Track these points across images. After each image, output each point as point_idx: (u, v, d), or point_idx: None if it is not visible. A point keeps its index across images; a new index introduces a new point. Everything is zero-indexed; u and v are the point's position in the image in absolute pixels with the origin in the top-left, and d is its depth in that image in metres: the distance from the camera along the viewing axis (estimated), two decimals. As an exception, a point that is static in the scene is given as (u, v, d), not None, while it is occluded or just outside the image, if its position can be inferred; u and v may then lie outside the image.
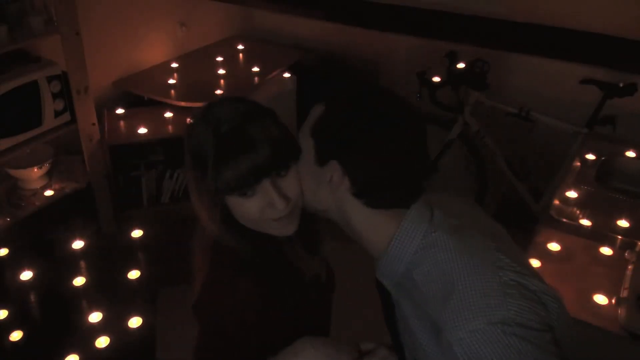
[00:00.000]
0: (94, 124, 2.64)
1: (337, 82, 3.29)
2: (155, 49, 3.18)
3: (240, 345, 1.04)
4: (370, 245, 1.01)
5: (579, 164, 2.12)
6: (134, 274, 2.52)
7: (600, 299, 1.50)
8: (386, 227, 0.96)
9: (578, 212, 1.87)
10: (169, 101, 2.87)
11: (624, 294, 1.47)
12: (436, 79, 2.94)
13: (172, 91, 2.93)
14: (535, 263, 1.88)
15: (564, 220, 1.81)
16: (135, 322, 2.33)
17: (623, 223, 1.80)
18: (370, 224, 0.98)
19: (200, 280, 1.07)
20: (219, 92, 2.94)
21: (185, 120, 2.79)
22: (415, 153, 0.98)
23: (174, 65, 3.16)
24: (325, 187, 0.97)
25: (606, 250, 1.67)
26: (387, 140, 0.94)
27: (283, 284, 1.07)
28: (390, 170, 0.94)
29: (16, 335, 2.23)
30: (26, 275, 2.45)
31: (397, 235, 0.95)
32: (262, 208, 0.97)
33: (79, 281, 2.48)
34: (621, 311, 1.43)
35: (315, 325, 1.20)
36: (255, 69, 3.15)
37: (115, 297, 2.45)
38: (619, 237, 1.75)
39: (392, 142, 0.94)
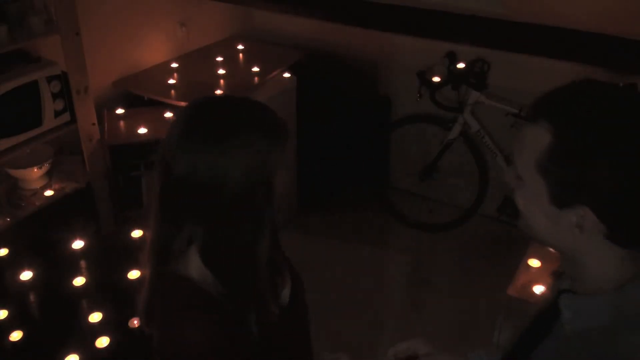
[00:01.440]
0: (94, 124, 2.64)
1: (337, 82, 3.29)
2: (155, 49, 3.17)
3: None
4: (588, 278, 0.85)
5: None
6: (134, 274, 2.52)
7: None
8: (624, 268, 0.82)
9: (578, 212, 1.86)
10: (169, 101, 2.87)
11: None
12: (436, 79, 2.95)
13: (172, 91, 2.93)
14: (535, 263, 1.89)
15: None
16: (135, 322, 2.32)
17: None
18: (609, 262, 0.82)
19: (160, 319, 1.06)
20: (219, 92, 2.95)
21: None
22: None
23: (174, 65, 3.15)
24: (567, 229, 0.80)
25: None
26: None
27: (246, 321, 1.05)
28: None
29: (16, 335, 2.23)
30: (26, 275, 2.44)
31: (633, 284, 0.80)
32: None
33: (79, 281, 2.48)
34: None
35: (293, 345, 1.17)
36: (255, 69, 3.15)
37: (115, 297, 2.44)
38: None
39: None
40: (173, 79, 3.04)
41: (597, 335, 0.81)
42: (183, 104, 2.82)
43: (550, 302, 0.92)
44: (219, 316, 1.00)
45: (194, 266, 1.02)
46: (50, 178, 2.70)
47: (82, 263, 2.63)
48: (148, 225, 1.06)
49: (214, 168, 0.94)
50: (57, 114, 2.49)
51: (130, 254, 2.70)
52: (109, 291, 2.49)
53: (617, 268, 0.82)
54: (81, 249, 2.61)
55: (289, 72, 3.21)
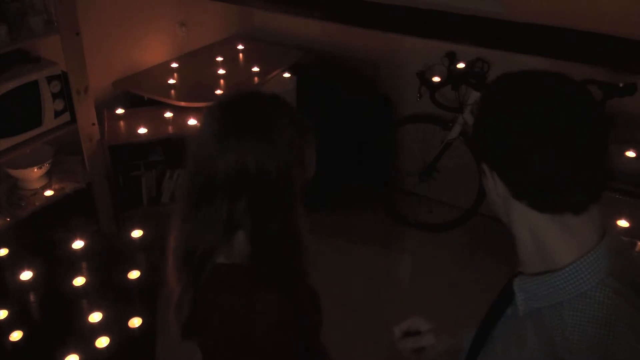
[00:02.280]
0: (94, 124, 2.64)
1: (337, 82, 3.29)
2: (155, 49, 3.17)
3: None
4: (534, 257, 0.88)
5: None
6: (134, 274, 2.52)
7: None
8: (562, 244, 0.84)
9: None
10: (169, 101, 2.87)
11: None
12: (436, 79, 2.95)
13: (172, 91, 2.93)
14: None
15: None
16: (135, 322, 2.33)
17: (623, 223, 1.80)
18: (540, 233, 0.85)
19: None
20: (219, 92, 2.95)
21: (185, 120, 2.81)
22: (578, 142, 0.79)
23: (174, 65, 3.16)
24: (491, 191, 0.90)
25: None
26: (529, 128, 0.80)
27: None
28: (549, 164, 0.79)
29: (16, 335, 2.23)
30: (26, 275, 2.44)
31: (574, 265, 0.83)
32: None
33: (79, 281, 2.48)
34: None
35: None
36: (255, 69, 3.15)
37: (115, 297, 2.45)
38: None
39: (536, 130, 0.80)
40: (173, 79, 3.04)
41: (546, 313, 0.85)
42: (183, 104, 2.84)
43: (506, 285, 0.97)
44: (279, 288, 1.05)
45: (237, 253, 1.07)
46: (50, 178, 2.70)
47: (82, 263, 2.63)
48: (175, 227, 1.11)
49: (262, 161, 1.00)
50: (57, 114, 2.49)
51: (130, 254, 2.71)
52: (109, 291, 2.49)
53: (554, 243, 0.85)
54: (81, 249, 2.61)
55: (289, 72, 3.21)
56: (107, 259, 2.67)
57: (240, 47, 3.45)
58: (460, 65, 2.91)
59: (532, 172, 0.81)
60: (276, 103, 1.08)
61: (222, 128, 1.03)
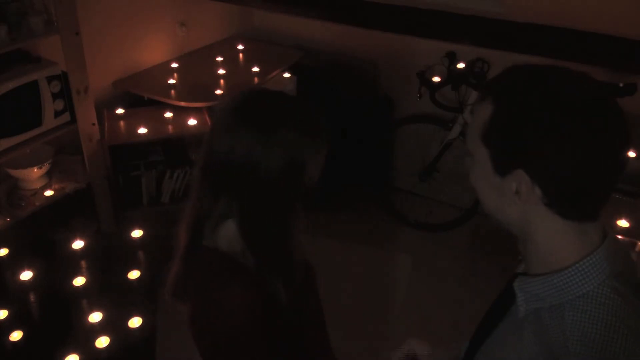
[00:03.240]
0: (94, 124, 2.64)
1: (337, 82, 3.29)
2: (155, 49, 3.17)
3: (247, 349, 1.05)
4: (537, 256, 0.88)
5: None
6: (134, 274, 2.52)
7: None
8: (570, 246, 0.85)
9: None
10: (169, 101, 2.87)
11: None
12: (436, 79, 2.95)
13: (172, 91, 2.93)
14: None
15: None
16: (135, 322, 2.33)
17: (623, 223, 1.80)
18: (555, 237, 0.85)
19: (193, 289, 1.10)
20: (219, 92, 2.95)
21: (185, 120, 2.81)
22: (615, 150, 0.81)
23: (174, 65, 3.15)
24: (510, 199, 0.85)
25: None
26: (582, 137, 0.78)
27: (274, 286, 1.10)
28: (588, 173, 0.79)
29: (16, 335, 2.23)
30: (26, 275, 2.45)
31: (577, 266, 0.83)
32: None
33: (79, 281, 2.48)
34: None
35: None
36: (255, 69, 3.15)
37: (115, 297, 2.45)
38: (619, 237, 1.75)
39: (588, 139, 0.78)
40: (173, 79, 3.04)
41: (546, 314, 0.85)
42: (183, 104, 2.84)
43: (506, 286, 0.96)
44: (253, 283, 1.06)
45: (224, 239, 1.09)
46: (50, 178, 2.70)
47: (82, 263, 2.63)
48: (190, 200, 1.15)
49: (250, 153, 1.02)
50: (57, 114, 2.49)
51: (130, 254, 2.71)
52: (109, 291, 2.49)
53: (564, 245, 0.85)
54: (81, 249, 2.61)
55: (289, 72, 3.21)
56: (107, 259, 2.67)
57: (240, 47, 3.45)
58: (460, 65, 2.91)
59: (577, 182, 0.80)
60: (295, 109, 1.09)
61: (230, 112, 1.07)
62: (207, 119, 2.85)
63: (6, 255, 2.52)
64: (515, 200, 0.84)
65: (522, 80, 0.84)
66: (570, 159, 0.78)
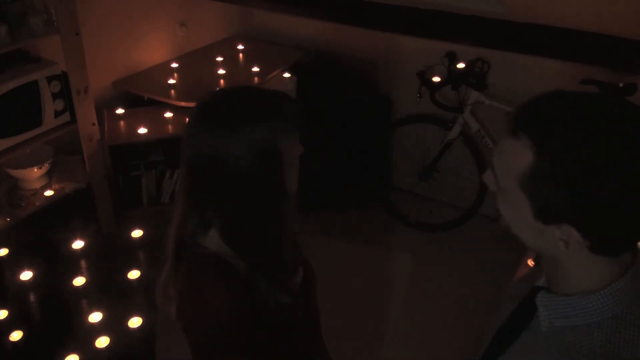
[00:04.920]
0: (94, 124, 2.64)
1: (337, 82, 3.29)
2: (155, 49, 3.18)
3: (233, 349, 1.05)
4: (568, 281, 0.86)
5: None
6: (134, 274, 2.52)
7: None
8: (602, 271, 0.83)
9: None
10: (169, 101, 2.87)
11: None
12: (436, 79, 2.95)
13: (172, 91, 2.93)
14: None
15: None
16: (135, 322, 2.33)
17: None
18: (589, 267, 0.83)
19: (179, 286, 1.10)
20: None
21: (185, 120, 2.80)
22: None
23: (174, 65, 3.16)
24: (552, 243, 0.80)
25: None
26: (633, 187, 0.72)
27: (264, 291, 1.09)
28: (634, 221, 0.76)
29: (16, 335, 2.23)
30: (26, 275, 2.44)
31: (609, 290, 0.81)
32: None
33: (79, 281, 2.48)
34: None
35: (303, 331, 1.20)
36: (255, 69, 3.15)
37: (115, 297, 2.45)
38: None
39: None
40: (173, 79, 3.04)
41: (570, 333, 0.83)
42: (183, 104, 2.84)
43: (527, 299, 0.93)
44: (238, 284, 1.05)
45: (213, 239, 1.08)
46: (50, 178, 2.70)
47: (82, 263, 2.63)
48: (177, 202, 1.14)
49: (216, 150, 1.01)
50: (57, 114, 2.49)
51: (130, 254, 2.71)
52: (109, 291, 2.49)
53: (599, 274, 0.83)
54: (81, 249, 2.61)
55: (289, 72, 3.21)
56: (107, 259, 2.67)
57: (240, 47, 3.45)
58: (460, 65, 2.91)
59: (629, 230, 0.78)
60: (260, 99, 1.07)
61: (194, 116, 1.07)
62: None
63: (6, 255, 2.52)
64: (559, 245, 0.80)
65: (570, 123, 0.74)
66: (629, 214, 0.74)
